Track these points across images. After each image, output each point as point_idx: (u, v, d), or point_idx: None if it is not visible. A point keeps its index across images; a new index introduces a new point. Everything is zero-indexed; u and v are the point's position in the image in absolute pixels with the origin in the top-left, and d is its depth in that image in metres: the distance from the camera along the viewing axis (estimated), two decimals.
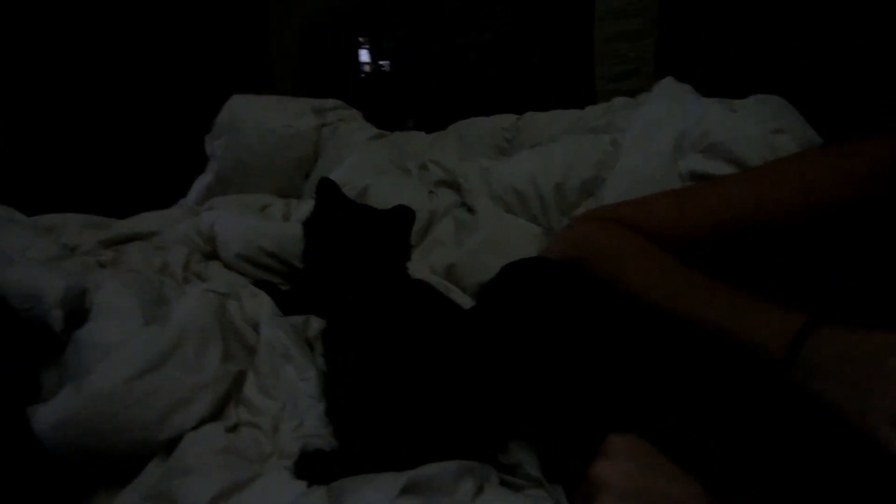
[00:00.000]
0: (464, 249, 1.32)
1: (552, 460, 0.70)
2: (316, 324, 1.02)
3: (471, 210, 1.42)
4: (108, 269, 1.25)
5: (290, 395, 0.87)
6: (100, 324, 0.92)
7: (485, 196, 1.42)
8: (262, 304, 1.00)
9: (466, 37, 3.46)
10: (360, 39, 3.42)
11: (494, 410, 0.76)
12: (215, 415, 0.86)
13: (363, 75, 3.37)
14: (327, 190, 1.10)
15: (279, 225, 1.38)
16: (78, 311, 0.96)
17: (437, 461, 0.70)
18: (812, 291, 0.71)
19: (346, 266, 1.03)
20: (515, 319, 0.79)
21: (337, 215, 1.05)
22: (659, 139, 1.31)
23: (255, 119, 1.88)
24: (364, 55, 3.57)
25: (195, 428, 0.83)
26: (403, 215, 1.09)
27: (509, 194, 1.42)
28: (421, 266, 1.31)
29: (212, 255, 1.41)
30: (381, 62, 3.78)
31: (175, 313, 0.91)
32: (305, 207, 1.48)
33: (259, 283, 1.17)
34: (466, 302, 1.17)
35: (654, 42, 2.86)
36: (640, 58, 2.83)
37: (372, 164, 1.60)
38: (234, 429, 0.85)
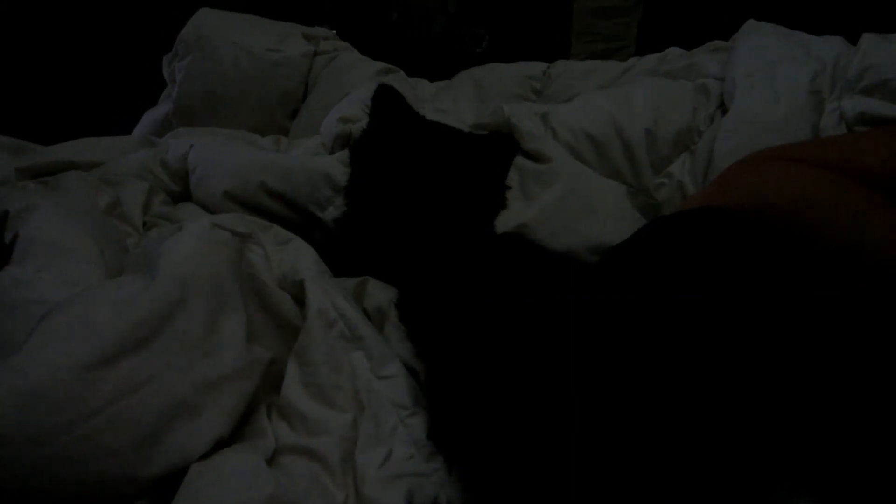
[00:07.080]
0: (536, 206, 0.98)
1: None
2: (377, 289, 0.65)
3: (534, 158, 1.08)
4: (41, 189, 0.85)
5: (366, 401, 0.52)
6: (30, 268, 0.55)
7: (551, 142, 1.09)
8: (301, 256, 0.63)
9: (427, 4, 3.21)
10: None
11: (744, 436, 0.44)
12: (236, 433, 0.50)
13: None
14: (389, 101, 0.74)
15: (290, 157, 1.00)
16: None
17: None
18: None
19: (420, 208, 0.68)
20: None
21: (407, 136, 0.70)
22: (785, 81, 1.04)
23: (230, 38, 1.48)
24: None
25: (206, 456, 0.47)
26: (503, 146, 0.75)
27: (581, 142, 1.09)
28: None
29: (182, 196, 1.03)
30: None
31: (166, 260, 0.53)
32: (311, 143, 1.10)
33: None
34: None
35: (636, 20, 2.65)
36: (621, 36, 2.61)
37: None
38: (270, 460, 0.49)
